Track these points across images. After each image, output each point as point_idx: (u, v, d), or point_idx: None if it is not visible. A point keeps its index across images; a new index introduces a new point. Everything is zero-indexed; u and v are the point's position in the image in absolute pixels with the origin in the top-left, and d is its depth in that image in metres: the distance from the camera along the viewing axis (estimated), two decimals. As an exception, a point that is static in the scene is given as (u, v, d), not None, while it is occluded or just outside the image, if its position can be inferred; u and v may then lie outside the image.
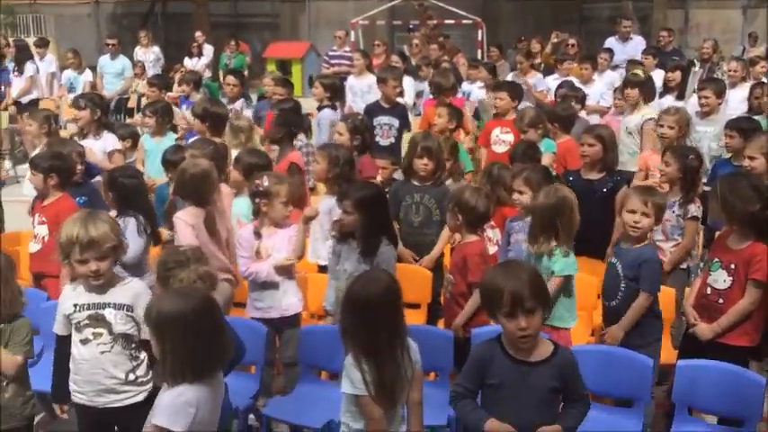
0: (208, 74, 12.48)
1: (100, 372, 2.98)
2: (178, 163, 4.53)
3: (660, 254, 3.94)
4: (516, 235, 4.14)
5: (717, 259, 3.58)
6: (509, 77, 9.09)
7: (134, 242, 3.85)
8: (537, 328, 2.56)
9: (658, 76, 8.16)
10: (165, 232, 4.54)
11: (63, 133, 6.98)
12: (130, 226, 3.96)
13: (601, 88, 8.06)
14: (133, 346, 3.01)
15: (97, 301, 2.97)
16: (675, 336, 4.12)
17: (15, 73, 10.11)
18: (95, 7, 18.52)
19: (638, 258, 3.55)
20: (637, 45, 10.39)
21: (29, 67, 10.03)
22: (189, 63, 12.66)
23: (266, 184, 3.94)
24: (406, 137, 6.56)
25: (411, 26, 14.34)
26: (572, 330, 3.73)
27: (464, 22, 15.01)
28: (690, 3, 17.27)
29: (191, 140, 5.54)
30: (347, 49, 11.16)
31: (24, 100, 9.96)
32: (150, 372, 3.04)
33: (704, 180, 4.83)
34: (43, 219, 4.39)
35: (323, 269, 4.47)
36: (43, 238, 4.38)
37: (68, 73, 10.79)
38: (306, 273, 4.42)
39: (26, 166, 9.01)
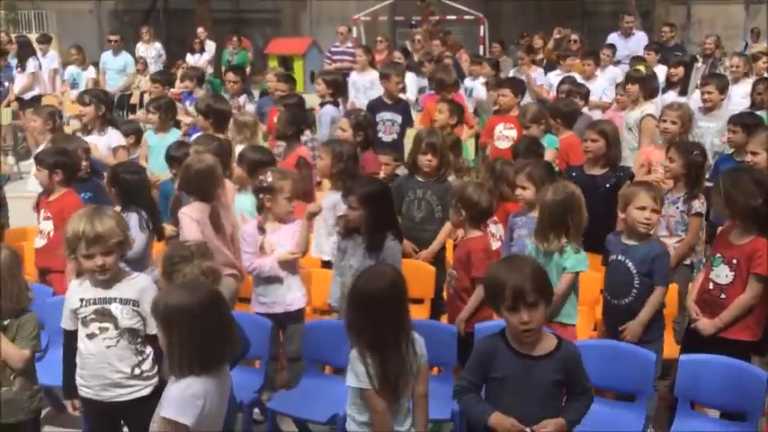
0: (210, 70, 12.48)
1: (106, 366, 3.00)
2: (182, 159, 4.55)
3: (664, 249, 3.94)
4: (519, 230, 4.15)
5: (719, 254, 3.59)
6: (511, 73, 9.10)
7: (136, 237, 3.87)
8: (539, 321, 2.57)
9: (661, 72, 8.15)
10: (168, 228, 4.56)
11: (66, 129, 6.99)
12: (132, 221, 3.99)
13: (603, 84, 8.06)
14: (139, 340, 3.03)
15: (103, 295, 2.99)
16: (678, 331, 4.13)
17: (18, 69, 10.12)
18: (97, 4, 18.52)
19: (650, 254, 3.57)
20: (639, 41, 10.38)
21: (31, 64, 10.04)
22: (191, 59, 12.68)
23: (270, 179, 3.96)
24: (409, 133, 6.58)
25: (413, 22, 14.34)
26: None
27: (466, 17, 14.99)
28: (692, -2, 17.25)
29: (195, 137, 5.55)
30: (349, 45, 11.16)
31: (26, 96, 9.98)
32: (156, 366, 3.06)
33: (706, 176, 4.84)
34: (48, 214, 4.42)
35: (326, 264, 4.49)
36: (48, 233, 4.41)
37: (71, 69, 10.81)
38: (309, 268, 4.44)
39: (29, 162, 9.08)
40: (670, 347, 3.83)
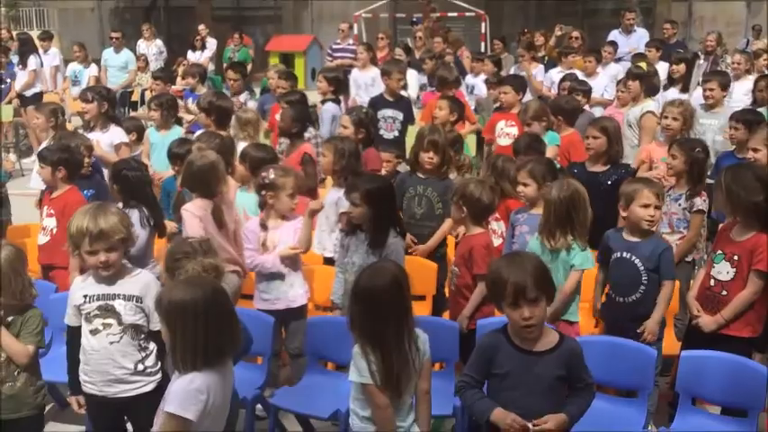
0: (211, 67, 12.48)
1: (109, 362, 3.01)
2: (184, 156, 4.56)
3: (666, 247, 3.95)
4: (521, 227, 4.16)
5: (720, 251, 3.60)
6: (511, 70, 9.11)
7: (137, 234, 3.87)
8: (541, 317, 2.59)
9: (662, 69, 8.16)
10: (171, 225, 4.58)
11: (67, 127, 7.00)
12: (134, 218, 3.98)
13: (604, 81, 8.06)
14: (142, 336, 3.04)
15: (107, 292, 3.01)
16: (680, 328, 4.14)
17: (19, 66, 10.13)
18: (98, 1, 18.51)
19: (657, 249, 3.58)
20: (640, 38, 10.38)
21: (32, 61, 10.04)
22: (192, 56, 12.67)
23: (272, 176, 3.96)
24: (411, 130, 6.59)
25: (414, 19, 14.32)
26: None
27: (467, 14, 14.98)
28: (694, -5, 17.21)
29: (197, 134, 5.56)
30: (350, 42, 11.15)
31: (28, 93, 9.98)
32: (159, 362, 3.07)
33: (708, 173, 4.84)
34: (51, 211, 4.43)
35: (328, 261, 4.50)
36: (52, 230, 4.42)
37: (73, 66, 10.81)
38: (311, 265, 4.45)
39: (30, 159, 9.09)
40: (670, 344, 3.84)
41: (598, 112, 7.18)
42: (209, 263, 2.95)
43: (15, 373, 3.02)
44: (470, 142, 7.45)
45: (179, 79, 10.60)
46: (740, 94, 7.28)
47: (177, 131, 6.13)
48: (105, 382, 3.03)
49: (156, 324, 2.87)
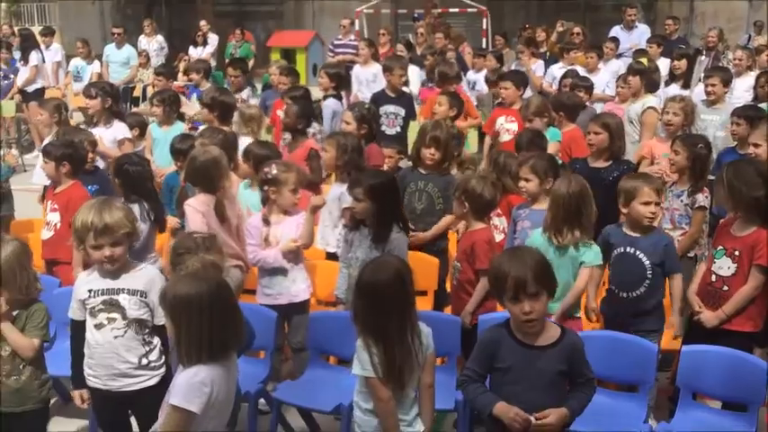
0: (213, 63, 12.47)
1: (113, 356, 3.03)
2: (186, 151, 4.58)
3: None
4: (522, 222, 4.17)
5: (721, 247, 3.62)
6: (512, 66, 9.11)
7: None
8: (541, 311, 2.60)
9: (664, 65, 8.16)
10: (173, 220, 4.60)
11: (70, 122, 7.01)
12: (134, 212, 4.01)
13: (606, 77, 8.06)
14: (146, 331, 3.06)
15: (111, 286, 3.02)
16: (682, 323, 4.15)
17: (21, 62, 10.14)
18: (100, -4, 18.48)
19: (659, 243, 3.60)
20: (642, 33, 10.37)
21: (34, 57, 10.05)
22: (194, 52, 12.67)
23: (274, 171, 3.98)
24: (412, 126, 6.60)
25: (416, 15, 14.29)
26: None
27: (469, 10, 14.96)
28: (695, -9, 17.17)
29: (200, 129, 5.58)
30: (352, 37, 11.14)
31: (30, 89, 9.99)
32: (163, 357, 3.09)
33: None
34: (55, 206, 4.45)
35: (331, 256, 4.52)
36: (55, 225, 4.44)
37: (75, 61, 10.81)
38: (314, 260, 4.47)
39: (32, 154, 9.10)
40: (671, 339, 3.86)
41: (599, 108, 7.19)
42: (209, 260, 2.97)
43: (20, 367, 3.04)
44: (472, 138, 7.46)
45: (180, 75, 10.61)
46: (742, 90, 7.28)
47: (179, 127, 6.14)
48: (109, 376, 3.05)
49: (160, 318, 2.89)
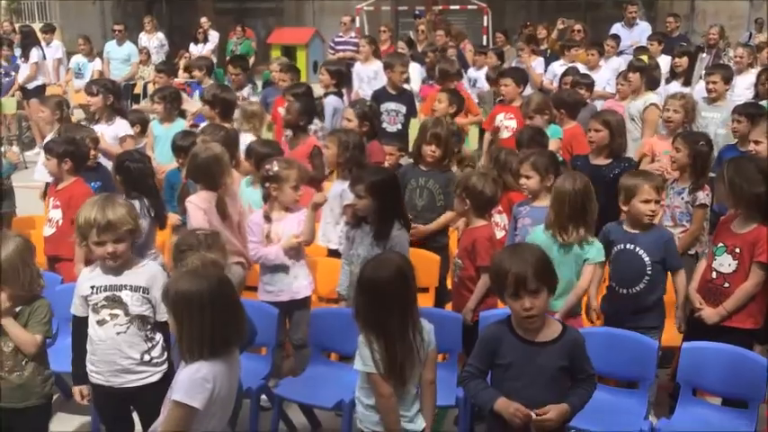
0: (213, 60, 12.47)
1: (116, 352, 3.04)
2: (188, 148, 4.59)
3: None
4: (523, 219, 4.18)
5: (721, 243, 3.63)
6: (513, 63, 9.10)
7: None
8: (542, 308, 2.61)
9: (665, 62, 8.16)
10: (174, 217, 4.61)
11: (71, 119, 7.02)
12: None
13: (607, 74, 8.06)
14: (148, 327, 3.07)
15: (114, 282, 3.04)
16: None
17: (21, 59, 10.14)
18: (100, -6, 18.45)
19: (660, 240, 3.62)
20: (642, 31, 10.36)
21: (34, 53, 10.05)
22: (194, 49, 12.67)
23: (276, 168, 3.99)
24: (413, 123, 6.60)
25: (416, 12, 14.29)
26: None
27: (469, 7, 14.95)
28: (696, -12, 17.15)
29: (201, 126, 5.59)
30: (353, 35, 11.14)
31: (30, 86, 10.00)
32: (165, 353, 3.10)
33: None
34: (57, 203, 4.46)
35: (333, 253, 4.53)
36: (57, 221, 4.45)
37: (77, 58, 10.81)
38: (315, 257, 4.48)
39: (33, 151, 9.11)
40: (671, 336, 3.87)
41: (600, 105, 7.19)
42: (209, 258, 2.98)
43: (23, 363, 3.05)
44: (472, 135, 7.47)
45: (180, 72, 10.61)
46: (743, 87, 7.28)
47: (180, 124, 6.15)
48: (112, 372, 3.06)
49: (163, 315, 2.91)
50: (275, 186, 3.98)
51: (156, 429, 2.58)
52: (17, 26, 12.01)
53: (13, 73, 10.02)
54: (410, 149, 5.33)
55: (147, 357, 3.07)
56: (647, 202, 3.60)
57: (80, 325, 3.12)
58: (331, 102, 6.77)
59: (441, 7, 14.13)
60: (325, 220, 4.58)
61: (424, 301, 4.18)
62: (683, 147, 4.40)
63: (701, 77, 7.66)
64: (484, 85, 8.56)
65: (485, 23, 14.49)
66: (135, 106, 9.73)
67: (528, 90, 7.17)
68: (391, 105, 6.78)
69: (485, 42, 13.11)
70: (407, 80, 7.28)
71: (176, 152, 5.00)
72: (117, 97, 6.02)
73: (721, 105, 6.04)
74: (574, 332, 2.72)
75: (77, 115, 9.42)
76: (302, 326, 3.99)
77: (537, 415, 2.58)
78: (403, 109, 6.80)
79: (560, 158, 4.93)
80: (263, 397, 3.74)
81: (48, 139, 5.10)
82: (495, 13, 15.05)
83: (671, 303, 3.80)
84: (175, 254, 3.08)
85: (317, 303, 4.32)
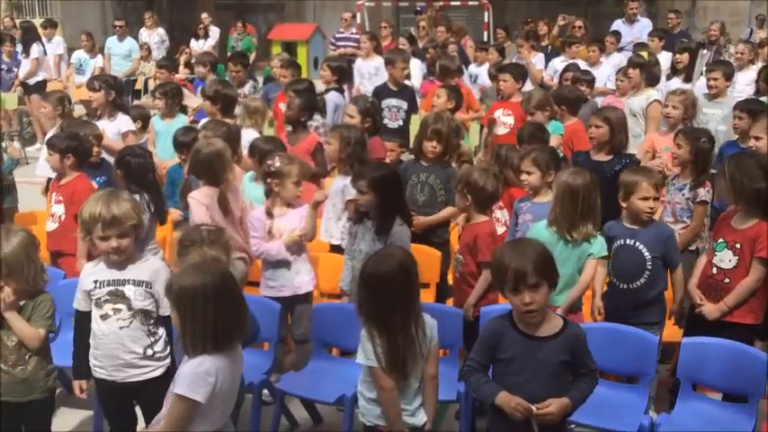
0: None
1: (119, 347, 3.05)
2: (189, 144, 4.60)
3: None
4: (524, 215, 4.19)
5: (722, 239, 3.64)
6: (513, 59, 9.11)
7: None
8: (542, 303, 2.62)
9: (665, 59, 8.16)
10: (175, 212, 4.62)
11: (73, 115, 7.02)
12: (136, 202, 4.04)
13: (608, 71, 8.06)
14: (151, 321, 3.08)
15: (117, 277, 3.05)
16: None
17: (22, 55, 10.14)
18: (101, -10, 18.43)
19: (660, 235, 3.63)
20: (643, 27, 10.36)
21: (35, 49, 10.04)
22: (195, 45, 12.66)
23: (278, 164, 4.00)
24: (414, 119, 6.61)
25: (417, 8, 14.28)
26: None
27: (470, 3, 14.93)
28: (697, -16, 17.12)
29: (203, 122, 5.59)
30: (353, 30, 11.14)
31: (31, 81, 9.99)
32: (168, 347, 3.11)
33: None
34: (60, 198, 4.47)
35: (335, 248, 4.54)
36: (60, 217, 4.46)
37: (78, 54, 10.80)
38: (317, 252, 4.49)
39: (35, 147, 9.11)
40: (671, 331, 3.88)
41: (600, 101, 7.19)
42: (210, 254, 2.99)
43: (27, 357, 3.06)
44: (473, 132, 7.48)
45: (181, 68, 10.61)
46: (743, 83, 7.29)
47: (182, 120, 6.16)
48: (115, 366, 3.07)
49: (166, 309, 2.92)
50: (277, 182, 3.99)
51: (159, 423, 2.59)
52: (18, 22, 12.00)
53: (15, 69, 10.01)
54: (411, 145, 5.34)
55: (149, 352, 3.08)
56: (645, 199, 3.62)
57: (82, 320, 3.14)
58: (332, 98, 6.77)
59: (442, 3, 14.12)
60: (327, 215, 4.59)
61: (426, 297, 4.18)
62: (685, 143, 4.41)
63: (701, 74, 7.66)
64: (485, 81, 8.56)
65: (486, 19, 14.47)
66: (136, 102, 9.74)
67: (527, 86, 7.18)
68: (392, 101, 6.79)
69: (486, 38, 13.10)
70: (408, 76, 7.29)
71: (178, 148, 5.00)
72: (119, 93, 6.02)
73: (722, 102, 6.05)
74: (575, 327, 2.73)
75: (78, 111, 9.42)
76: (304, 321, 4.01)
77: (538, 409, 2.60)
78: (404, 105, 6.80)
79: (561, 155, 4.93)
80: (265, 391, 3.76)
81: (50, 134, 5.11)
82: (496, 10, 15.03)
83: (672, 300, 3.81)
84: (179, 249, 3.09)
85: (319, 299, 4.33)
